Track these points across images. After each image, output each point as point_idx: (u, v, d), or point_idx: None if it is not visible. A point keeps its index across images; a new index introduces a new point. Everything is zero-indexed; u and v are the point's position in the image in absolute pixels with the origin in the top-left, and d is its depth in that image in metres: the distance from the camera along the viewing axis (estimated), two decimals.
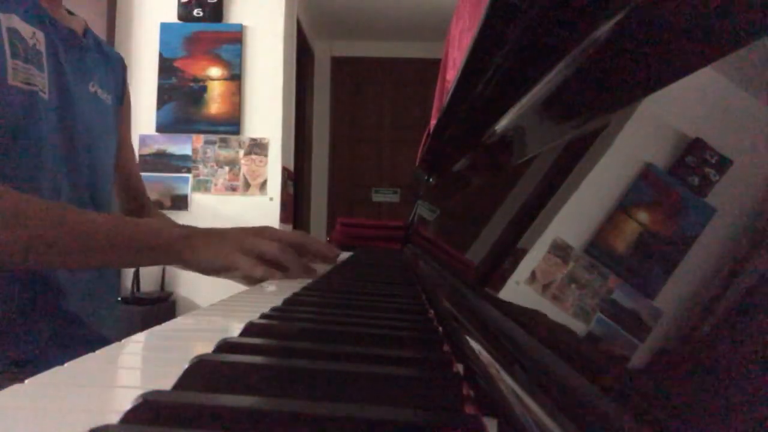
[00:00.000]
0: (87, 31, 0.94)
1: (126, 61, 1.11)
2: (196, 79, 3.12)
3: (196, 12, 3.11)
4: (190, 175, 3.13)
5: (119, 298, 2.86)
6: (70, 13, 0.93)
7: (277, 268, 0.75)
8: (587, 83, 0.37)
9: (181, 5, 3.12)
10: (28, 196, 0.68)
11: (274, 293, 0.66)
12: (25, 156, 0.76)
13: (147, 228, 0.73)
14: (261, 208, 3.11)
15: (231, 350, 0.30)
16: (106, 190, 0.96)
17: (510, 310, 0.33)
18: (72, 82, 0.85)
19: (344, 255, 1.30)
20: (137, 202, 1.14)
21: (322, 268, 0.91)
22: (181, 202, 3.10)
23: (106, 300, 0.93)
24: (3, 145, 0.74)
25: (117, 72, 1.02)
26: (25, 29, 0.77)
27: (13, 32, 0.75)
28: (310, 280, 0.75)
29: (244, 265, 0.72)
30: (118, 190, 1.08)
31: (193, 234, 0.74)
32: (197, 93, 3.12)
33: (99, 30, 2.98)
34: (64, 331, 0.81)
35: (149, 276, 3.05)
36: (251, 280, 0.75)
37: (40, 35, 0.80)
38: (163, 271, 3.05)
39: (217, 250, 0.72)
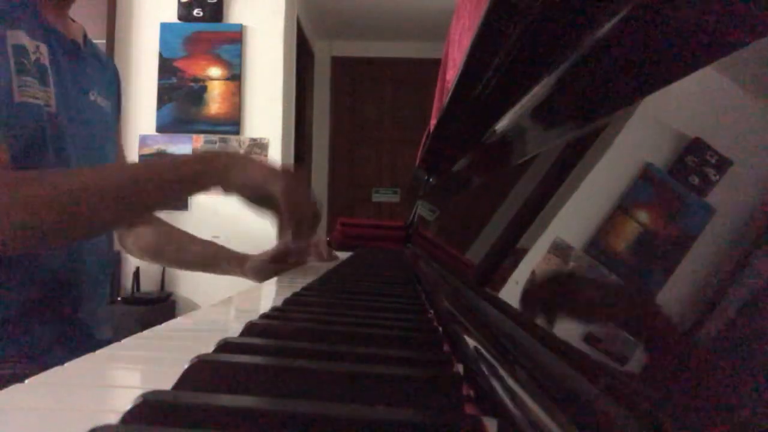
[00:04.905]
0: (86, 38, 0.94)
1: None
2: (196, 79, 3.12)
3: (196, 12, 3.10)
4: None
5: (119, 298, 2.87)
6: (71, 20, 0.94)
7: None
8: (587, 83, 0.37)
9: (181, 5, 3.12)
10: (63, 171, 0.73)
11: (274, 293, 0.66)
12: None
13: (176, 162, 0.76)
14: None
15: (231, 350, 0.30)
16: None
17: (510, 309, 0.33)
18: (74, 94, 0.86)
19: (344, 255, 1.30)
20: None
21: (323, 267, 0.91)
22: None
23: (104, 302, 0.94)
24: (15, 162, 0.74)
25: (113, 80, 1.04)
26: (30, 44, 0.78)
27: (18, 49, 0.75)
28: (310, 280, 0.75)
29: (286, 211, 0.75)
30: None
31: (231, 155, 0.76)
32: (197, 93, 3.12)
33: (99, 30, 2.97)
34: (70, 333, 0.83)
35: (149, 276, 3.04)
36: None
37: (44, 48, 0.81)
38: (163, 271, 3.05)
39: (259, 172, 0.74)
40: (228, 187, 0.75)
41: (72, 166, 0.82)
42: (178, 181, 0.74)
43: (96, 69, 0.95)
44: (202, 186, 0.75)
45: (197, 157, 0.76)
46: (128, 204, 0.73)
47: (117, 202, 0.71)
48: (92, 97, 0.92)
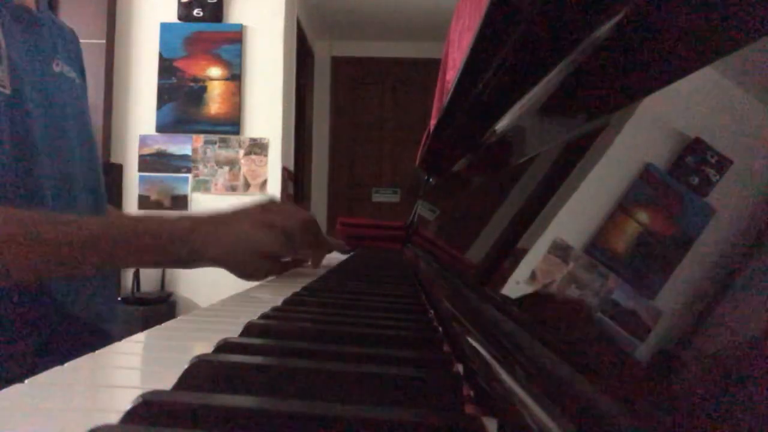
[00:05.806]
0: (40, 3, 0.82)
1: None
2: (196, 79, 3.12)
3: (196, 12, 3.11)
4: (190, 175, 3.13)
5: (119, 298, 2.86)
6: None
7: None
8: (587, 83, 0.37)
9: (181, 5, 3.12)
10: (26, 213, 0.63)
11: (274, 293, 0.66)
12: None
13: (143, 228, 0.66)
14: None
15: (231, 350, 0.30)
16: (94, 179, 0.86)
17: (510, 310, 0.33)
18: (35, 66, 0.77)
19: (343, 255, 1.30)
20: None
21: (323, 268, 0.91)
22: (181, 202, 3.10)
23: (106, 298, 0.89)
24: None
25: (75, 46, 0.92)
26: None
27: None
28: (310, 280, 0.75)
29: (270, 241, 0.67)
30: None
31: (199, 223, 0.67)
32: (197, 93, 3.12)
33: (99, 30, 2.98)
34: (60, 337, 0.76)
35: (149, 276, 3.05)
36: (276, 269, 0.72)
37: None
38: (163, 270, 3.05)
39: (236, 230, 0.66)
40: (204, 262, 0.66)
41: (39, 147, 0.73)
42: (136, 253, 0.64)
43: (56, 36, 0.84)
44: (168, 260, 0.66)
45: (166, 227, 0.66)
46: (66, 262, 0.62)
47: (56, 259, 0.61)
48: (56, 68, 0.81)
